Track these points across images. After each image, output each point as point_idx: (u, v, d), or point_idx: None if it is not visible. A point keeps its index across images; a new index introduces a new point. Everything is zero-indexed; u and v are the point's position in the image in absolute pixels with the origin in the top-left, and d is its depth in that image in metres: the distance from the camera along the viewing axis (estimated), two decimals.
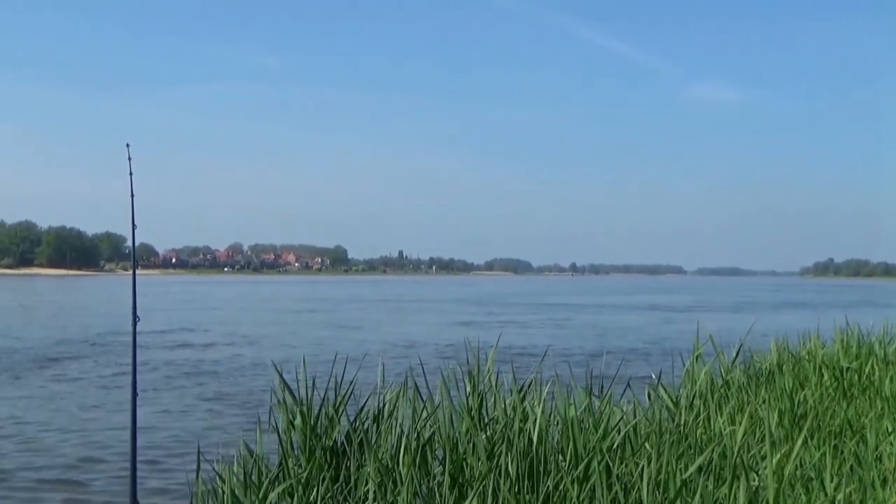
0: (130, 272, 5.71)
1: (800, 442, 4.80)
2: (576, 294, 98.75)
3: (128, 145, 5.20)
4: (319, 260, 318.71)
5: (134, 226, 5.30)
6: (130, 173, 5.26)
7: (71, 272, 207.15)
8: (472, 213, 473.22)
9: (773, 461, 4.34)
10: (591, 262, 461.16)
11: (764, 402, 7.62)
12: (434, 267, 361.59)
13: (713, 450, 5.12)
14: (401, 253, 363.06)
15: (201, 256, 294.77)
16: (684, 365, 8.91)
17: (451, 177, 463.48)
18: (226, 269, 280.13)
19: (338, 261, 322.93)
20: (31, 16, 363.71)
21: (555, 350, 22.58)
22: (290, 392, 5.90)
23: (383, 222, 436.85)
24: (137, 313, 5.04)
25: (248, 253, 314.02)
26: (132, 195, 5.25)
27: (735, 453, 4.67)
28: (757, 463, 5.27)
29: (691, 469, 4.63)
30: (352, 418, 5.95)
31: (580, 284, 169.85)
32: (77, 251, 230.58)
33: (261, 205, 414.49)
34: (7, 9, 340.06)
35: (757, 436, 5.99)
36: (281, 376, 5.97)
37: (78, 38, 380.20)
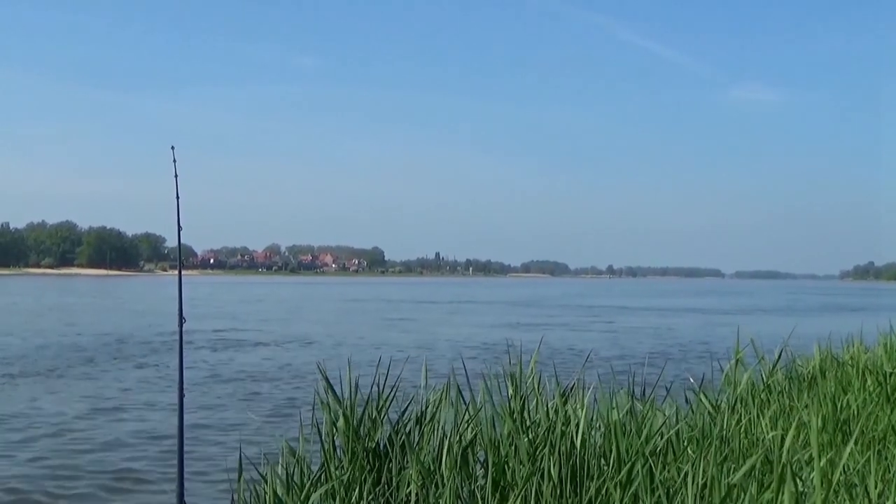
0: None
1: (848, 448, 4.75)
2: (614, 296, 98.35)
3: (172, 148, 5.14)
4: (357, 261, 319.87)
5: (179, 227, 5.27)
6: (175, 175, 5.17)
7: (111, 272, 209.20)
8: (508, 214, 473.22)
9: (820, 467, 4.30)
10: (629, 264, 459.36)
11: (806, 406, 7.55)
12: (471, 268, 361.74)
13: (757, 455, 5.08)
14: (437, 254, 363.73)
15: (239, 257, 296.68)
16: (723, 369, 8.86)
17: (487, 178, 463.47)
18: (262, 269, 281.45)
19: (375, 262, 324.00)
20: (72, 17, 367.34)
21: (596, 353, 22.52)
22: (334, 393, 5.92)
23: (420, 224, 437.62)
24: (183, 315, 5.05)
25: (286, 254, 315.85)
26: (177, 197, 5.19)
27: (781, 459, 4.63)
28: (802, 468, 5.22)
29: (739, 474, 4.59)
30: (394, 420, 5.96)
31: (618, 287, 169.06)
32: (117, 251, 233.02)
33: (298, 206, 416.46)
34: (46, 9, 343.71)
35: (801, 441, 5.94)
36: (325, 377, 5.99)
37: (119, 40, 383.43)
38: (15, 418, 14.17)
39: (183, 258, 6.09)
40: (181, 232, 5.22)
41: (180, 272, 5.63)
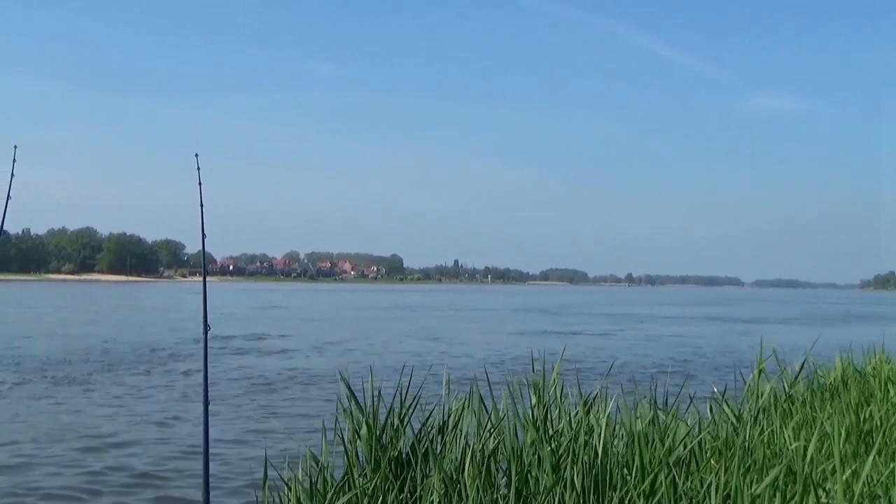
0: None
1: (870, 459, 4.75)
2: (635, 304, 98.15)
3: (196, 155, 5.18)
4: (375, 268, 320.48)
5: (204, 235, 5.30)
6: (199, 183, 5.23)
7: (130, 278, 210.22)
8: (527, 222, 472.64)
9: (842, 478, 4.30)
10: (647, 272, 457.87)
11: (829, 417, 7.52)
12: (489, 276, 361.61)
13: (781, 465, 5.08)
14: (456, 262, 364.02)
15: (258, 264, 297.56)
16: (745, 380, 8.84)
17: (506, 186, 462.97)
18: (280, 276, 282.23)
19: (393, 269, 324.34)
20: (96, 24, 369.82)
21: (617, 361, 22.50)
22: (356, 401, 5.94)
23: (439, 231, 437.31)
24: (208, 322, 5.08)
25: (305, 261, 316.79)
26: (201, 205, 5.23)
27: (804, 469, 4.63)
28: (825, 479, 5.21)
29: (762, 485, 4.59)
30: (417, 429, 5.98)
31: (638, 295, 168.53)
32: (136, 257, 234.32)
33: (317, 213, 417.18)
34: (67, 15, 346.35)
35: (824, 451, 5.93)
36: (348, 386, 6.01)
37: (138, 47, 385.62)
38: (38, 425, 14.28)
39: None
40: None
41: (204, 280, 5.61)
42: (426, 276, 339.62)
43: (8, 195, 4.63)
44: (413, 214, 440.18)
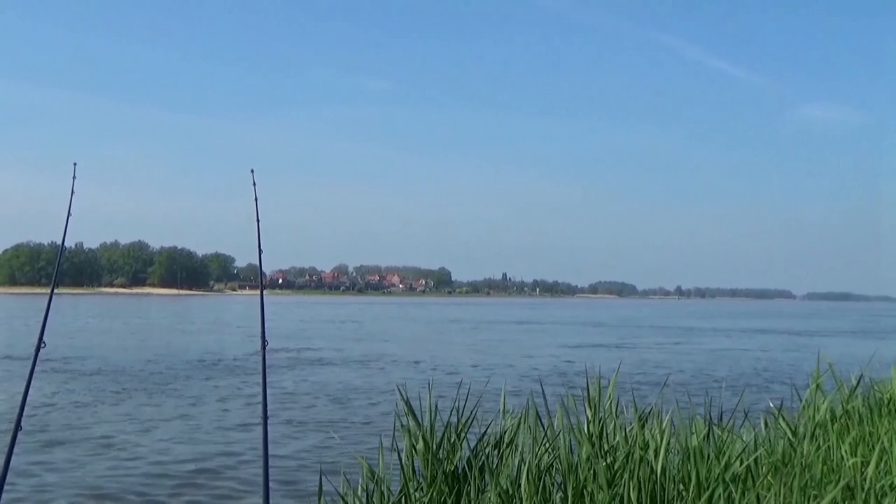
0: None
1: None
2: (686, 318, 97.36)
3: (252, 171, 5.07)
4: (423, 281, 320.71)
5: (260, 251, 5.26)
6: (255, 199, 5.14)
7: (181, 292, 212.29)
8: (574, 234, 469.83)
9: None
10: (697, 285, 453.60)
11: (887, 433, 7.43)
12: (538, 289, 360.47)
13: (838, 483, 5.03)
14: (504, 275, 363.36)
15: (307, 277, 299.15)
16: (800, 394, 8.75)
17: (553, 198, 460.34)
18: (329, 289, 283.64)
19: (441, 282, 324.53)
20: (147, 45, 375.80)
21: (671, 375, 22.39)
22: (414, 416, 5.98)
23: (487, 244, 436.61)
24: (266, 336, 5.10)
25: (354, 274, 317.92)
26: (258, 220, 5.13)
27: (866, 488, 4.59)
28: (885, 495, 5.16)
29: (824, 502, 4.56)
30: (473, 443, 6.00)
31: (689, 308, 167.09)
32: (187, 271, 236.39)
33: (366, 226, 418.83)
34: (122, 38, 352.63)
35: (881, 468, 5.87)
36: (406, 400, 6.05)
37: (189, 64, 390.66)
38: (95, 436, 14.55)
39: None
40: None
41: (262, 296, 5.61)
42: (474, 289, 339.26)
43: (69, 212, 4.65)
44: (461, 227, 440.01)
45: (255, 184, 5.12)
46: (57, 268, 5.18)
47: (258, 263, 5.22)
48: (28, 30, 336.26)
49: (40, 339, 4.05)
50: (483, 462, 5.77)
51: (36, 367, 3.97)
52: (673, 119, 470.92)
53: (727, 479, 5.00)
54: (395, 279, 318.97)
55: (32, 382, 3.92)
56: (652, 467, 5.38)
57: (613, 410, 6.38)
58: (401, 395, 6.08)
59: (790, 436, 7.33)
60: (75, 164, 4.69)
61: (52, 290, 4.56)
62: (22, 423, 3.72)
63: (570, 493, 5.30)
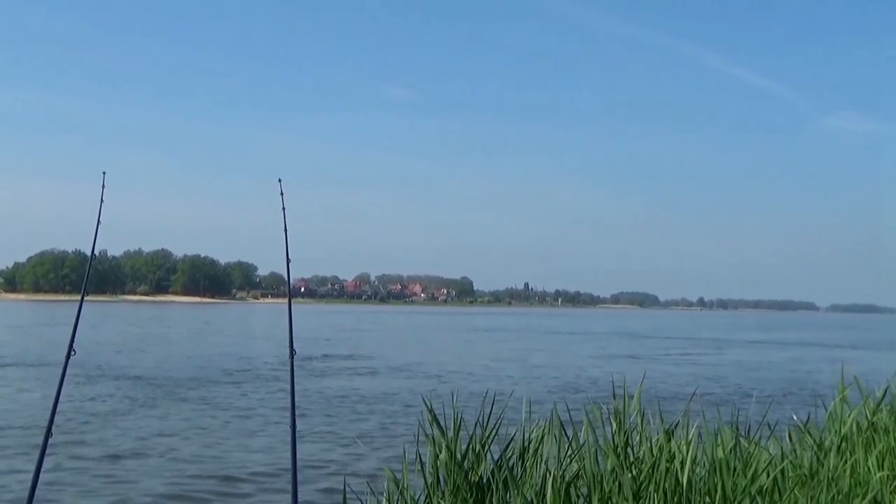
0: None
1: None
2: (709, 329, 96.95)
3: (280, 180, 5.09)
4: (445, 291, 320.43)
5: (288, 260, 5.21)
6: (283, 208, 5.14)
7: (204, 300, 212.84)
8: (598, 245, 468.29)
9: None
10: (719, 296, 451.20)
11: None
12: (560, 299, 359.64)
13: (865, 496, 5.01)
14: (526, 285, 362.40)
15: (329, 286, 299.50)
16: (826, 406, 8.69)
17: (576, 208, 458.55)
18: (351, 298, 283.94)
19: (463, 292, 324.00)
20: (177, 48, 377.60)
21: (697, 387, 22.34)
22: (439, 426, 5.98)
23: (509, 254, 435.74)
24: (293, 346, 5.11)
25: (375, 283, 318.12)
26: (285, 230, 5.10)
27: (894, 501, 4.56)
28: None
29: None
30: (496, 454, 5.99)
31: (711, 319, 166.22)
32: (210, 279, 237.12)
33: (388, 235, 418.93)
34: (154, 43, 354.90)
35: None
36: (431, 410, 6.06)
37: (208, 69, 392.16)
38: (123, 445, 14.66)
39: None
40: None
41: (290, 304, 5.59)
42: (496, 298, 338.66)
43: (98, 220, 4.65)
44: (483, 237, 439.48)
45: (282, 193, 5.12)
46: (87, 276, 5.19)
47: (286, 273, 5.17)
48: (55, 36, 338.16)
49: (70, 346, 4.07)
50: (507, 473, 5.76)
51: (66, 375, 3.99)
52: (698, 130, 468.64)
53: (753, 492, 4.98)
54: (417, 288, 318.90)
55: (63, 389, 3.94)
56: (678, 479, 5.36)
57: (639, 421, 6.36)
58: (425, 404, 6.09)
59: (816, 449, 7.29)
60: (104, 172, 4.69)
61: (83, 298, 4.53)
62: (52, 430, 3.74)
63: None
